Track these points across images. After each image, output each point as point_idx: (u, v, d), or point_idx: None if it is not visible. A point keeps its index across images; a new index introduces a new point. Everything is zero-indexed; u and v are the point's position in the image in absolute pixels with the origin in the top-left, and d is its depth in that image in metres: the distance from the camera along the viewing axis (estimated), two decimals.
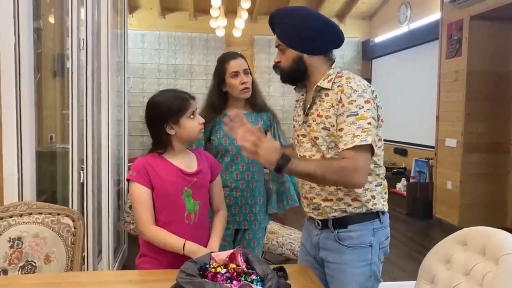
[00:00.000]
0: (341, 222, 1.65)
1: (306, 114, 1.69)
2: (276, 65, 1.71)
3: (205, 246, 1.76)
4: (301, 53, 1.64)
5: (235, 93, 2.17)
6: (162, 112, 1.73)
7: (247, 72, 2.16)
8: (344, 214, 1.65)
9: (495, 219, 4.91)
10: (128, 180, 1.76)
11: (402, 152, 7.10)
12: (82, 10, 2.69)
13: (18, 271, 1.82)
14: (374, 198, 1.65)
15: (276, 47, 1.72)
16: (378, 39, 7.90)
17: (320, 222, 1.71)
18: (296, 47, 1.64)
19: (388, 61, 7.74)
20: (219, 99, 2.20)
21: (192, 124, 1.76)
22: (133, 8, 7.48)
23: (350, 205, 1.64)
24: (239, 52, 2.29)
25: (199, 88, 7.53)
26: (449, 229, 1.62)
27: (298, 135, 1.76)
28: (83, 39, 2.66)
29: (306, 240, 1.83)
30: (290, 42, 1.65)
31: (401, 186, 6.47)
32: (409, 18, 6.86)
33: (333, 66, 1.67)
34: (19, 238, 1.84)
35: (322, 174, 1.50)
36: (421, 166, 6.31)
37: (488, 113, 5.15)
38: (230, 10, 6.62)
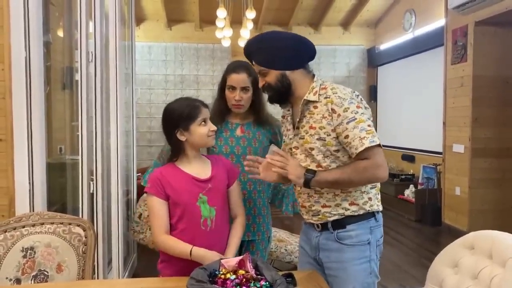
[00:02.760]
0: (340, 223, 1.73)
1: (297, 128, 1.78)
2: (264, 88, 1.81)
3: (223, 252, 1.79)
4: (283, 70, 1.74)
5: (229, 105, 2.18)
6: (174, 119, 1.79)
7: (245, 89, 2.13)
8: (342, 217, 1.72)
9: (505, 225, 4.87)
10: (145, 192, 1.83)
11: (409, 158, 7.09)
12: (91, 23, 2.73)
13: (31, 280, 1.85)
14: (371, 200, 1.74)
15: (258, 73, 1.82)
16: (383, 46, 7.93)
17: (319, 225, 1.78)
18: (278, 67, 1.74)
19: (393, 68, 7.76)
20: (222, 106, 2.20)
21: (202, 131, 1.80)
22: (140, 20, 7.56)
23: (348, 209, 1.72)
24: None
25: (206, 98, 7.38)
26: (458, 235, 1.63)
27: (290, 148, 1.83)
28: (91, 51, 2.71)
29: (305, 242, 1.89)
30: (271, 64, 1.75)
31: (409, 192, 6.45)
32: (413, 25, 6.88)
33: (315, 79, 1.78)
34: (32, 248, 1.87)
35: (348, 179, 1.63)
36: (429, 172, 6.29)
37: (495, 118, 5.13)
38: (236, 20, 6.68)
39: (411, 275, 3.97)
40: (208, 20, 7.29)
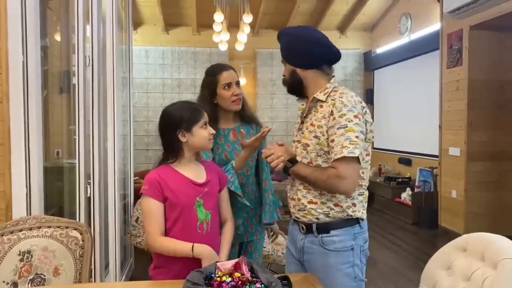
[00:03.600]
0: (324, 228, 1.76)
1: (302, 122, 1.84)
2: (283, 78, 1.90)
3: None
4: (294, 67, 1.82)
5: (225, 105, 2.16)
6: (176, 120, 1.79)
7: (238, 83, 2.17)
8: (327, 219, 1.75)
9: (501, 227, 4.88)
10: (141, 194, 1.80)
11: (406, 161, 7.12)
12: (88, 28, 2.75)
13: (28, 284, 1.85)
14: (355, 206, 1.76)
15: (282, 62, 1.90)
16: (380, 50, 7.96)
17: (304, 226, 1.80)
18: (289, 62, 1.84)
19: (390, 71, 7.79)
20: (211, 112, 2.10)
21: (204, 133, 1.82)
22: (137, 24, 7.58)
23: (332, 209, 1.75)
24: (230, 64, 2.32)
25: None
26: (454, 238, 1.64)
27: (293, 141, 1.89)
28: (89, 56, 2.72)
29: (291, 243, 1.92)
30: (285, 57, 1.85)
31: (406, 195, 6.47)
32: (409, 29, 6.92)
33: (332, 81, 1.81)
34: (29, 252, 1.87)
35: (314, 181, 1.72)
36: (425, 175, 6.31)
37: (490, 122, 5.17)
38: (233, 24, 6.70)
39: (407, 278, 3.98)
40: (205, 24, 7.32)
